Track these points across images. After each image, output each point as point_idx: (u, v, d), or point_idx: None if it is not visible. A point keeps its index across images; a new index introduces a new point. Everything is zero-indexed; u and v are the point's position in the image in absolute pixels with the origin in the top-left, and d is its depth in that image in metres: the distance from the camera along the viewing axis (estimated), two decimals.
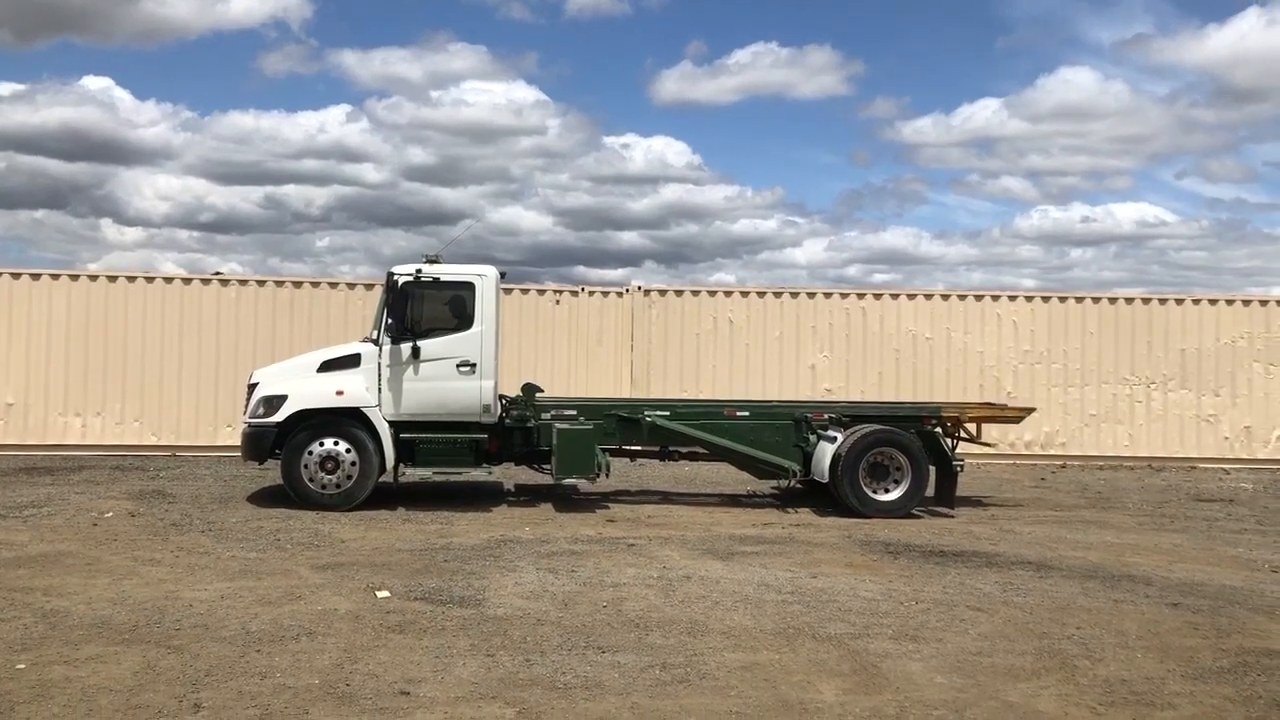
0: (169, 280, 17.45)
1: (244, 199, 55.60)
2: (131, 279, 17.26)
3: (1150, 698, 5.95)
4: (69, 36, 55.25)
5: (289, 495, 11.86)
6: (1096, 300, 18.75)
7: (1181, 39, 54.98)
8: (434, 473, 12.14)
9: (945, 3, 57.98)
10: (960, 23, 57.82)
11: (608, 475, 12.45)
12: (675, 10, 58.47)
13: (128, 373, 16.94)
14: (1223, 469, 17.88)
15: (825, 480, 12.26)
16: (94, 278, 17.21)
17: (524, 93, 55.72)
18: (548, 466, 12.46)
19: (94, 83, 52.08)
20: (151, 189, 52.94)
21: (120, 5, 50.30)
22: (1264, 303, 18.73)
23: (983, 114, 53.89)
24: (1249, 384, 18.44)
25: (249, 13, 53.47)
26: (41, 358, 16.78)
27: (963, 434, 13.18)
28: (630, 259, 57.29)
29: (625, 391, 17.73)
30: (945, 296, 18.78)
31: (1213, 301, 18.73)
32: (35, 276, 17.01)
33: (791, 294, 18.65)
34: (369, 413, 11.90)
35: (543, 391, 13.11)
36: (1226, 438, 18.37)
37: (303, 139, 50.87)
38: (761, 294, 18.67)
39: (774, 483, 13.21)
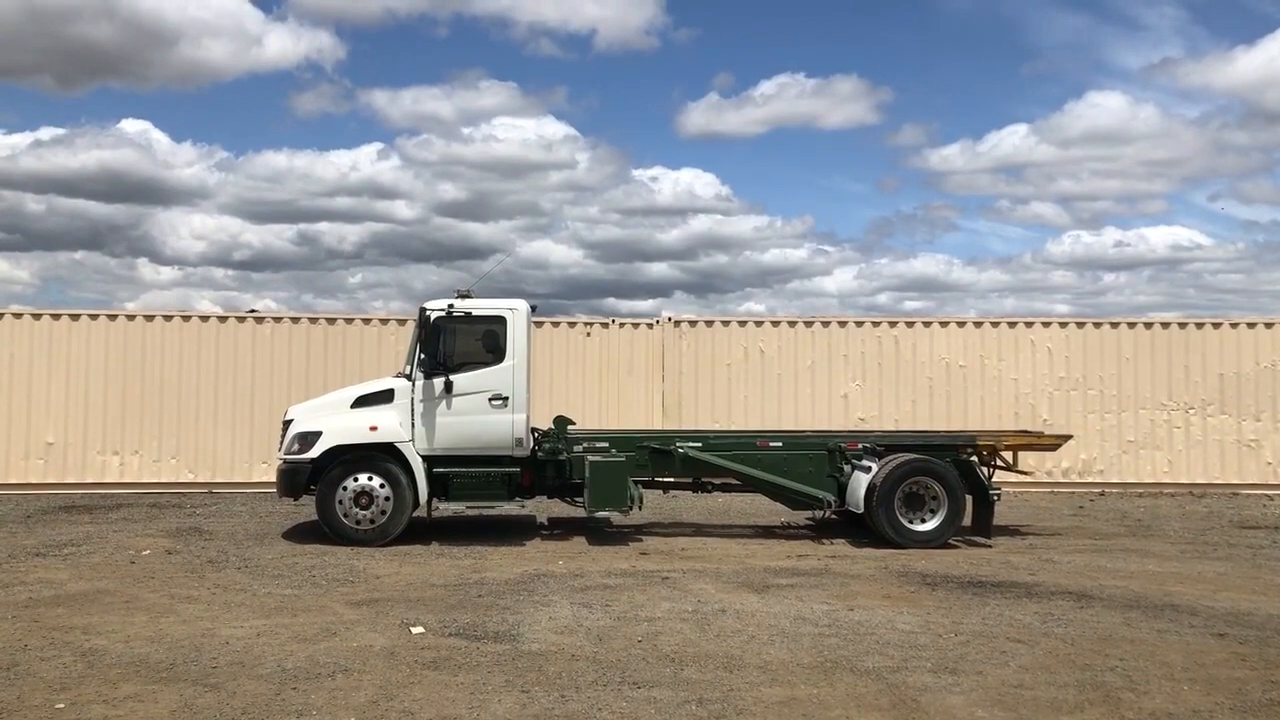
0: (205, 318, 17.67)
1: (278, 237, 56.40)
2: (168, 318, 17.52)
3: None
4: (108, 82, 56.51)
5: (324, 531, 11.92)
6: (1132, 325, 18.53)
7: (1210, 61, 54.69)
8: (467, 507, 12.16)
9: (971, 30, 58.09)
10: (986, 50, 57.85)
11: (640, 508, 12.43)
12: (701, 44, 58.94)
13: (165, 411, 17.16)
14: (1266, 495, 17.55)
15: (860, 511, 12.16)
16: (131, 317, 17.47)
17: (553, 128, 56.26)
18: (580, 499, 12.44)
19: (132, 126, 53.20)
20: (187, 229, 53.84)
21: (158, 50, 51.29)
22: None
23: (1011, 140, 53.59)
24: None
25: (283, 55, 54.43)
26: (80, 397, 17.03)
27: (999, 462, 13.07)
28: (660, 290, 57.37)
29: (656, 423, 17.71)
30: (978, 324, 18.65)
31: (1251, 324, 18.48)
32: (74, 317, 17.29)
33: (823, 323, 18.59)
34: (402, 448, 11.95)
35: (574, 424, 13.12)
36: (1269, 463, 18.05)
37: (335, 177, 51.52)
38: (792, 323, 18.62)
39: (808, 514, 13.15)
